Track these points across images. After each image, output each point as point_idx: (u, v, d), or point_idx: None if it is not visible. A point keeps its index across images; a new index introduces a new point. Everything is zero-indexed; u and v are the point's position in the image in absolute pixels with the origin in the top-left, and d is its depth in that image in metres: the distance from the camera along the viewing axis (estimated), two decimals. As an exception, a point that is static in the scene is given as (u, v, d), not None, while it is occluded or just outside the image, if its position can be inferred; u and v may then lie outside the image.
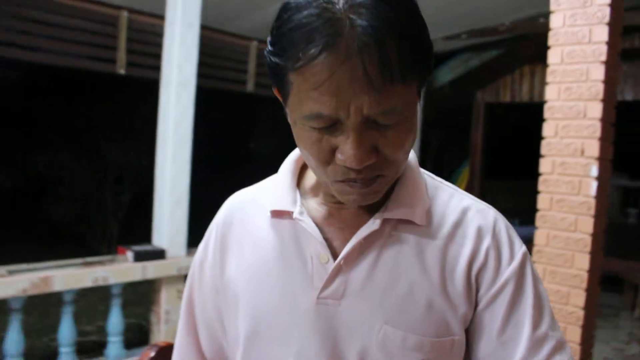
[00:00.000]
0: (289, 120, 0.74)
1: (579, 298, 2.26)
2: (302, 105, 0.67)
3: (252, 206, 0.88)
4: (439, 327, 0.75)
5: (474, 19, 5.29)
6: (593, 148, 2.25)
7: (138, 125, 7.71)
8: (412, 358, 0.74)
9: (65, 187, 7.90)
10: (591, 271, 2.27)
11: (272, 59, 0.69)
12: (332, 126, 0.67)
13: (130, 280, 3.62)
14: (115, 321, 3.72)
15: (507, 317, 0.76)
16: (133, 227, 6.85)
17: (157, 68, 4.17)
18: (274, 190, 0.85)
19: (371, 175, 0.70)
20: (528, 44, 5.68)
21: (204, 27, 4.31)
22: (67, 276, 3.32)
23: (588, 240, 2.26)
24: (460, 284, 0.76)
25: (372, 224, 0.77)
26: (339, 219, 0.80)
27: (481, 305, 0.77)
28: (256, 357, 0.81)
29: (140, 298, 4.86)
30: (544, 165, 2.40)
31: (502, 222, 0.82)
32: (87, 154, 7.98)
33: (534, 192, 2.45)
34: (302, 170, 0.88)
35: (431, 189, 0.83)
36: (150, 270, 3.63)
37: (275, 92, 0.75)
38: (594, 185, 2.24)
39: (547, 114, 2.42)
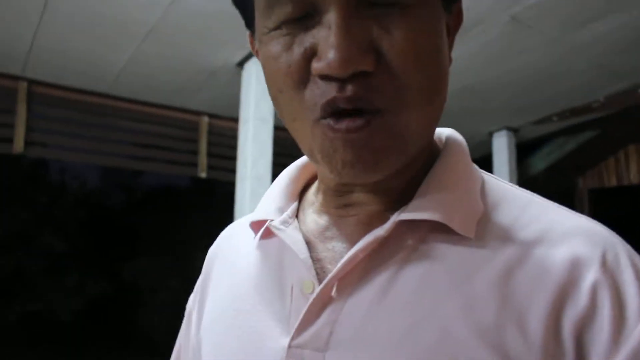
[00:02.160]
0: (257, 47, 0.50)
1: None
2: None
3: (241, 230, 0.66)
4: None
5: (563, 98, 4.98)
6: None
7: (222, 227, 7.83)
8: None
9: (158, 296, 8.02)
10: None
11: None
12: (306, 18, 0.44)
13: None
14: None
15: None
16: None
17: (234, 170, 4.21)
18: (267, 197, 0.62)
19: (364, 98, 0.44)
20: (629, 120, 5.24)
21: (279, 128, 4.34)
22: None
23: None
24: (538, 334, 0.44)
25: (380, 229, 0.48)
26: (345, 229, 0.53)
27: None
28: None
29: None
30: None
31: (623, 247, 0.50)
32: (177, 261, 8.13)
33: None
34: (309, 184, 0.64)
35: (493, 192, 0.54)
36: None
37: (249, 42, 0.54)
38: None
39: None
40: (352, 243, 0.51)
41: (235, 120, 4.55)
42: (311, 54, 0.44)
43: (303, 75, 0.45)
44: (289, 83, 0.46)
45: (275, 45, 0.46)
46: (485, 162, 6.07)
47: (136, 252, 8.25)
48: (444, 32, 0.48)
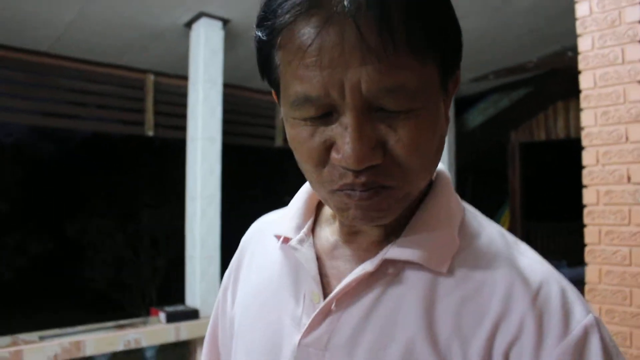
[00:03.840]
0: (282, 116, 0.60)
1: (638, 333, 2.06)
2: (288, 90, 0.54)
3: (270, 229, 0.77)
4: None
5: (500, 58, 5.22)
6: (639, 174, 2.09)
7: (171, 186, 7.80)
8: None
9: (100, 252, 7.98)
10: (651, 306, 2.08)
11: (257, 37, 0.57)
12: (326, 115, 0.54)
13: (163, 342, 3.52)
14: (149, 386, 3.62)
15: None
16: (170, 290, 6.81)
17: (183, 128, 4.22)
18: (288, 212, 0.74)
19: (374, 182, 0.54)
20: (558, 80, 5.56)
21: (228, 85, 4.36)
22: (98, 340, 3.24)
23: (645, 273, 2.08)
24: (475, 358, 0.55)
25: (369, 264, 0.61)
26: (348, 252, 0.65)
27: None
28: None
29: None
30: (588, 196, 2.24)
31: (556, 284, 0.58)
32: (121, 218, 8.07)
33: (580, 231, 2.29)
34: None
35: (469, 228, 0.64)
36: (183, 331, 3.53)
37: (274, 95, 0.63)
38: (644, 213, 2.08)
39: (585, 141, 2.28)
40: (353, 265, 0.63)
41: (182, 78, 4.53)
42: (330, 144, 0.54)
43: (323, 159, 0.55)
44: (310, 163, 0.56)
45: (299, 131, 0.56)
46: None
47: (80, 210, 8.11)
48: (442, 114, 0.57)
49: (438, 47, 0.54)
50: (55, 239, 8.26)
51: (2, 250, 7.84)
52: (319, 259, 0.67)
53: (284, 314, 0.67)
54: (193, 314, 3.60)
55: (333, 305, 0.62)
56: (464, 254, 0.61)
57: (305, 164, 0.57)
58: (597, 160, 2.21)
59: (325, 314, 0.62)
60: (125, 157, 8.15)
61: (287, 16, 0.52)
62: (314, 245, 0.68)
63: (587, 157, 2.27)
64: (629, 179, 2.12)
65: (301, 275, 0.67)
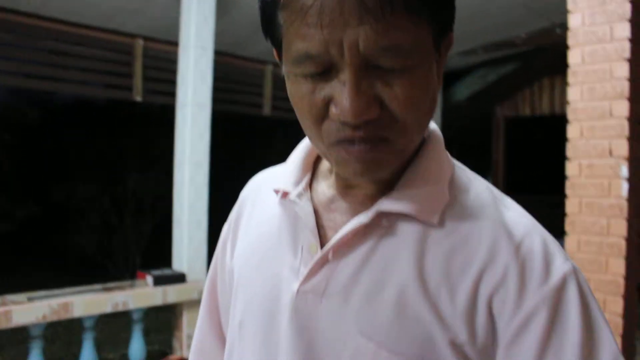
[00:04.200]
0: (284, 73, 0.63)
1: (617, 305, 2.15)
2: (291, 47, 0.57)
3: (269, 184, 0.80)
4: (422, 347, 0.60)
5: (489, 33, 5.25)
6: (621, 148, 2.16)
7: (158, 152, 7.78)
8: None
9: (86, 217, 7.98)
10: (628, 277, 2.16)
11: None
12: (326, 72, 0.57)
13: (150, 304, 3.58)
14: (137, 347, 3.67)
15: (541, 352, 0.58)
16: (156, 254, 6.85)
17: (171, 94, 4.20)
18: (286, 167, 0.77)
19: (372, 135, 0.57)
20: (546, 56, 5.62)
21: (218, 53, 4.34)
22: (86, 302, 3.29)
23: (622, 244, 2.16)
24: (462, 303, 0.60)
25: (364, 216, 0.64)
26: (344, 205, 0.69)
27: (505, 341, 0.59)
28: (239, 348, 0.74)
29: (163, 325, 4.81)
30: (571, 169, 2.32)
31: (539, 236, 0.63)
32: (108, 183, 8.06)
33: (560, 204, 2.36)
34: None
35: (458, 183, 0.68)
36: (170, 294, 3.59)
37: (275, 55, 0.66)
38: (625, 186, 2.15)
39: (570, 115, 2.34)
40: (349, 217, 0.67)
41: (172, 44, 4.49)
42: (329, 100, 0.57)
43: (322, 114, 0.59)
44: (310, 118, 0.59)
45: (300, 87, 0.59)
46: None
47: (66, 175, 8.07)
48: (435, 73, 0.60)
49: (432, 8, 0.57)
50: (41, 203, 8.21)
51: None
52: (316, 212, 0.70)
53: (283, 264, 0.70)
54: (180, 278, 3.66)
55: (330, 255, 0.65)
56: (454, 207, 0.65)
57: (305, 119, 0.60)
58: (581, 134, 2.28)
59: (322, 263, 0.65)
60: (113, 121, 8.09)
61: None
62: (312, 199, 0.71)
63: (571, 131, 2.34)
64: (610, 152, 2.20)
65: (299, 228, 0.70)
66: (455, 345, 0.60)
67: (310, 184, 0.74)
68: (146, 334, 3.80)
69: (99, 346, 3.59)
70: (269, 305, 0.69)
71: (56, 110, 8.00)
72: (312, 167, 0.77)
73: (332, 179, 0.71)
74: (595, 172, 2.22)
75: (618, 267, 2.16)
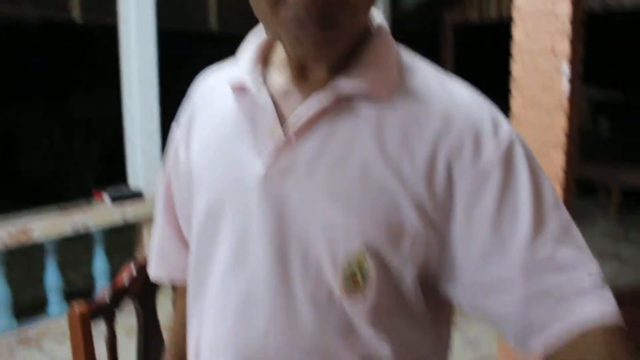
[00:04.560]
0: None
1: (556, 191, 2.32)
2: None
3: (220, 81, 0.82)
4: (388, 211, 0.66)
5: None
6: (563, 47, 2.24)
7: (101, 74, 7.51)
8: (355, 242, 0.67)
9: (34, 142, 7.78)
10: (567, 170, 2.31)
11: None
12: None
13: (110, 223, 3.60)
14: (100, 265, 3.75)
15: (499, 205, 0.65)
16: (108, 175, 6.79)
17: (112, 13, 4.01)
18: (238, 61, 0.79)
19: (324, 13, 0.62)
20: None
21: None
22: (45, 225, 3.28)
23: (562, 139, 2.29)
24: (421, 166, 0.66)
25: (323, 98, 0.68)
26: (299, 93, 0.72)
27: (465, 200, 0.66)
28: (203, 239, 0.78)
29: (122, 246, 4.86)
30: (516, 68, 2.40)
31: (486, 106, 0.71)
32: (53, 107, 7.81)
33: (507, 110, 2.44)
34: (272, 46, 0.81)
35: (408, 66, 0.73)
36: (129, 212, 3.61)
37: None
38: (566, 84, 2.25)
39: (515, 15, 2.39)
40: (307, 101, 0.70)
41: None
42: None
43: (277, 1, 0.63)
44: (267, 3, 0.63)
45: None
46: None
47: (8, 102, 7.72)
48: None
49: None
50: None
51: None
52: (272, 99, 0.73)
53: (245, 152, 0.73)
54: (137, 195, 3.67)
55: (293, 137, 0.69)
56: (405, 86, 0.71)
57: (261, 4, 0.64)
58: (526, 35, 2.34)
59: (286, 145, 0.69)
60: (53, 45, 7.70)
61: None
62: (267, 89, 0.74)
63: (516, 31, 2.39)
64: (553, 52, 2.28)
65: (258, 117, 0.73)
66: (417, 207, 0.66)
67: (264, 77, 0.76)
68: (108, 254, 3.85)
69: (61, 269, 3.63)
70: (236, 191, 0.73)
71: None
72: (264, 60, 0.79)
73: (287, 70, 0.74)
74: (539, 71, 2.31)
75: (558, 160, 2.30)
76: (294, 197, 0.69)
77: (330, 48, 0.65)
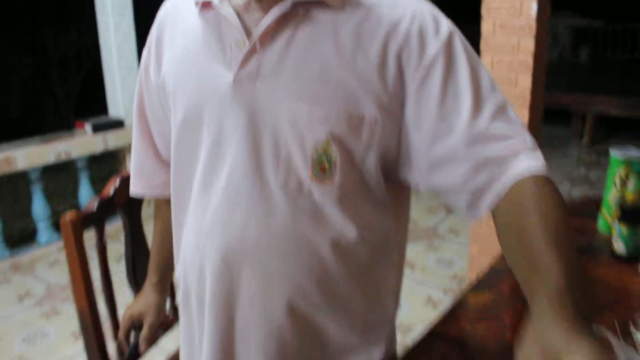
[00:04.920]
0: None
1: (523, 117, 2.41)
2: None
3: (185, 2, 0.88)
4: (348, 103, 0.75)
5: None
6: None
7: (75, 5, 7.32)
8: (320, 131, 0.75)
9: (11, 78, 7.64)
10: (533, 89, 2.40)
11: None
12: None
13: (92, 152, 3.66)
14: (85, 193, 3.83)
15: (443, 90, 0.75)
16: (89, 107, 6.76)
17: None
18: None
19: None
20: None
21: None
22: (28, 153, 3.33)
23: (530, 61, 2.37)
24: (374, 60, 0.75)
25: (283, 6, 0.75)
26: (259, 7, 0.79)
27: (414, 89, 0.76)
28: (183, 145, 0.85)
29: (107, 173, 4.92)
30: (487, -8, 2.43)
31: (426, 5, 0.80)
32: (27, 42, 7.64)
33: (477, 31, 2.49)
34: None
35: None
36: (111, 140, 3.67)
37: None
38: (534, 7, 2.30)
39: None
40: (266, 13, 0.77)
41: None
42: None
43: None
44: None
45: None
46: None
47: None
48: None
49: None
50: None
51: None
52: (237, 13, 0.80)
53: (214, 62, 0.80)
54: (118, 124, 3.71)
55: (257, 44, 0.76)
56: None
57: None
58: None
59: (251, 53, 0.77)
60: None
61: None
62: (230, 4, 0.81)
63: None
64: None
65: (224, 30, 0.80)
66: (373, 98, 0.75)
67: None
68: (92, 182, 3.92)
69: (48, 200, 3.70)
70: (210, 99, 0.80)
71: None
72: None
73: None
74: (508, -5, 2.36)
75: (525, 81, 2.39)
76: (262, 98, 0.77)
77: None
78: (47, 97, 7.84)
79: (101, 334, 1.17)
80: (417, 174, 0.80)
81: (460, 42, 0.78)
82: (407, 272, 2.40)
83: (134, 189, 1.04)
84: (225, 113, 0.78)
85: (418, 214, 4.16)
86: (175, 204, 0.92)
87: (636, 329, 0.93)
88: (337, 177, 0.78)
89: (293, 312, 0.82)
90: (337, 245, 0.81)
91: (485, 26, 2.47)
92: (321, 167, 0.77)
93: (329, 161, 0.77)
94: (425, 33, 0.76)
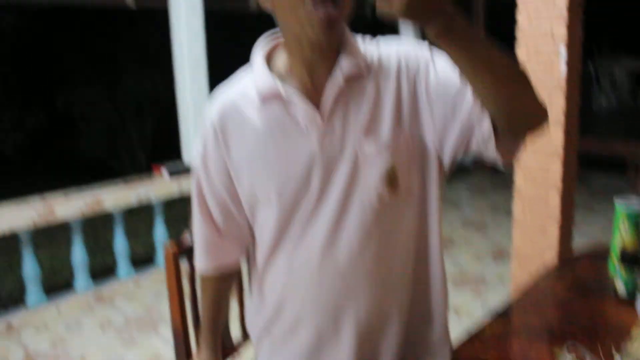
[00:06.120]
0: None
1: (557, 169, 2.59)
2: None
3: (240, 99, 1.08)
4: (395, 130, 1.02)
5: None
6: (561, 32, 2.50)
7: (151, 55, 7.94)
8: (384, 154, 1.02)
9: (90, 122, 8.29)
10: (566, 145, 2.58)
11: None
12: None
13: (168, 195, 4.02)
14: (160, 233, 4.18)
15: (443, 71, 1.01)
16: (160, 151, 7.22)
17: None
18: (257, 79, 1.05)
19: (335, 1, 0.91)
20: None
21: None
22: (115, 196, 3.73)
23: (562, 117, 2.56)
24: (406, 98, 1.03)
25: (337, 81, 1.01)
26: (312, 87, 1.02)
27: (431, 84, 1.01)
28: (284, 205, 1.05)
29: (177, 218, 5.28)
30: (519, 51, 2.66)
31: (410, 42, 1.09)
32: (107, 87, 8.29)
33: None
34: (268, 60, 1.08)
35: (367, 47, 1.07)
36: (185, 185, 4.01)
37: None
38: (563, 66, 2.51)
39: (519, 2, 2.65)
40: (321, 90, 1.01)
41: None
42: None
43: None
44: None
45: None
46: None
47: (68, 84, 8.24)
48: None
49: None
50: (47, 112, 8.45)
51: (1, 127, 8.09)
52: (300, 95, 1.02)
53: (295, 134, 1.02)
54: (191, 169, 4.08)
55: (327, 114, 1.01)
56: (371, 63, 1.05)
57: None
58: (529, 20, 2.60)
59: (326, 121, 1.02)
60: (107, 28, 8.19)
61: None
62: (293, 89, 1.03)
63: (520, 17, 2.65)
64: (552, 36, 2.54)
65: (292, 111, 1.02)
66: (413, 127, 1.05)
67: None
68: (166, 223, 4.28)
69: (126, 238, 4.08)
70: (300, 165, 1.03)
71: (53, 21, 8.07)
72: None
73: (295, 72, 1.03)
74: (539, 54, 2.57)
75: (558, 137, 2.57)
76: (339, 140, 1.02)
77: (336, 24, 0.93)
78: (123, 140, 8.44)
79: (190, 349, 1.43)
80: (447, 149, 1.05)
81: (434, 50, 1.03)
82: (453, 318, 2.56)
83: (200, 267, 1.21)
84: (322, 169, 1.03)
85: (466, 261, 4.31)
86: (269, 253, 1.12)
87: (617, 352, 1.15)
88: (403, 187, 1.07)
89: None
90: None
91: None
92: (392, 184, 1.05)
93: (397, 178, 1.05)
94: (414, 54, 1.05)
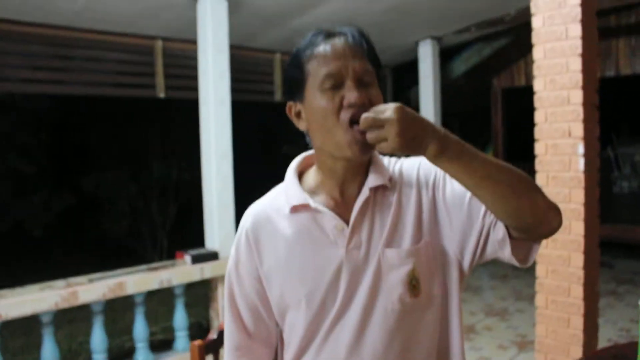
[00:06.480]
0: (305, 113, 1.08)
1: (578, 260, 2.62)
2: (318, 75, 1.04)
3: (272, 210, 1.18)
4: (416, 238, 1.10)
5: (481, 11, 5.61)
6: (578, 129, 2.60)
7: (177, 143, 8.26)
8: (406, 261, 1.08)
9: (117, 205, 8.51)
10: (587, 235, 2.62)
11: (292, 64, 1.09)
12: (339, 86, 1.02)
13: (190, 280, 4.06)
14: (180, 318, 4.18)
15: (451, 183, 1.10)
16: (181, 236, 7.34)
17: (191, 89, 4.64)
18: (289, 192, 1.16)
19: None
20: (535, 30, 5.95)
21: (231, 46, 4.74)
22: (137, 280, 3.79)
23: (581, 209, 2.61)
24: (426, 209, 1.11)
25: (364, 194, 1.10)
26: (341, 201, 1.12)
27: (447, 194, 1.10)
28: (313, 309, 1.10)
29: (197, 301, 5.30)
30: (538, 148, 2.76)
31: (415, 159, 1.17)
32: (134, 173, 8.58)
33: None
34: (300, 178, 1.20)
35: (388, 162, 1.18)
36: (207, 270, 4.07)
37: (288, 110, 1.13)
38: (581, 162, 2.59)
39: (537, 103, 2.77)
40: (349, 203, 1.10)
41: (188, 42, 4.90)
42: (341, 98, 1.01)
43: (338, 107, 1.01)
44: (332, 112, 1.01)
45: (324, 96, 1.02)
46: (412, 67, 6.69)
47: (97, 168, 8.59)
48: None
49: (375, 61, 1.09)
50: (74, 194, 8.73)
51: (31, 208, 8.33)
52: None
53: (324, 244, 1.11)
54: (214, 256, 4.16)
55: (353, 224, 1.09)
56: (393, 176, 1.15)
57: (327, 118, 1.03)
58: (546, 119, 2.72)
59: (352, 231, 1.09)
60: (138, 117, 8.60)
61: (316, 42, 1.07)
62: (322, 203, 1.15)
63: (538, 116, 2.77)
64: (569, 134, 2.64)
65: (321, 222, 1.11)
66: (435, 236, 1.12)
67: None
68: (186, 307, 4.31)
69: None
70: (328, 272, 1.10)
71: (86, 108, 8.51)
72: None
73: (322, 191, 1.14)
74: (558, 150, 2.67)
75: (579, 228, 2.62)
76: (364, 253, 1.09)
77: (368, 147, 1.00)
78: (147, 224, 8.60)
79: None
80: (467, 257, 1.11)
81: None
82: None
83: None
84: (343, 278, 1.09)
85: (490, 350, 4.23)
86: (298, 352, 1.16)
87: None
88: (424, 289, 1.12)
89: None
90: None
91: (540, 178, 2.77)
92: (413, 287, 1.10)
93: (418, 281, 1.11)
94: (425, 171, 1.15)
